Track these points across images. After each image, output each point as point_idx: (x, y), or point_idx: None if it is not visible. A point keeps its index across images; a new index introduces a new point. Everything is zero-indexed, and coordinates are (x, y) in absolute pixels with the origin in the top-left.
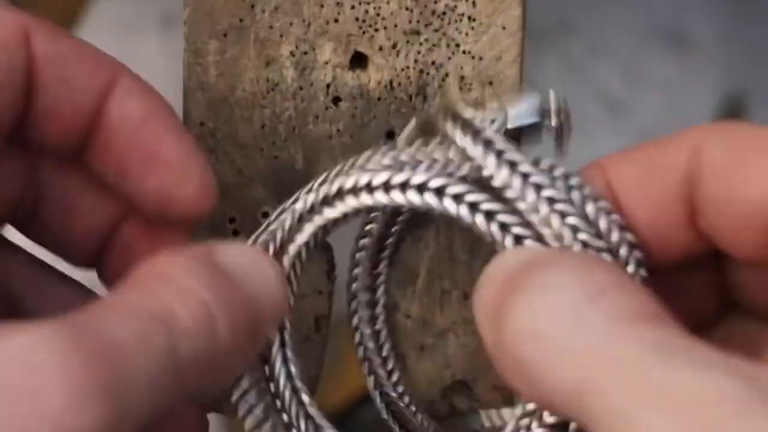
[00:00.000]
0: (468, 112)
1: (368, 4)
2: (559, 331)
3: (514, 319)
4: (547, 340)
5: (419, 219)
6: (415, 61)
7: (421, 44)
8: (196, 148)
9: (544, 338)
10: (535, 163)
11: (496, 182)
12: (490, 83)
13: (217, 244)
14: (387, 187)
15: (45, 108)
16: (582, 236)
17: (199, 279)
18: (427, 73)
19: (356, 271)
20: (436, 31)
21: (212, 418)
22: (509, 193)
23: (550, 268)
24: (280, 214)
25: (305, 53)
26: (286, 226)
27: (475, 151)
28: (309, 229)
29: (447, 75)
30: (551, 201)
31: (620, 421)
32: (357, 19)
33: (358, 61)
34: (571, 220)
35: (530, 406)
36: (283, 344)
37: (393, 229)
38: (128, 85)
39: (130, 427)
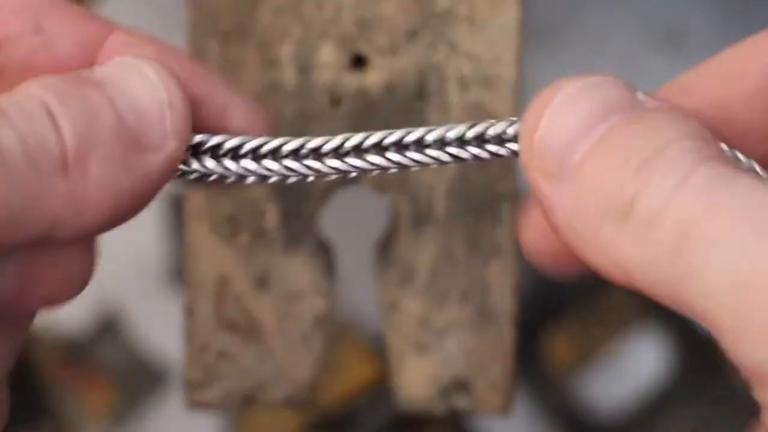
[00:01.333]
0: None
1: (368, 5)
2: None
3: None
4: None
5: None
6: (415, 62)
7: (420, 45)
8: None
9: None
10: None
11: None
12: (489, 84)
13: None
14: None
15: (15, 61)
16: None
17: (46, 82)
18: (426, 75)
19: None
20: (435, 32)
21: (212, 418)
22: None
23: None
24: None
25: (305, 54)
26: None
27: None
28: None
29: (446, 76)
30: None
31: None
32: (357, 20)
33: (358, 61)
34: None
35: None
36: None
37: None
38: (123, 37)
39: None
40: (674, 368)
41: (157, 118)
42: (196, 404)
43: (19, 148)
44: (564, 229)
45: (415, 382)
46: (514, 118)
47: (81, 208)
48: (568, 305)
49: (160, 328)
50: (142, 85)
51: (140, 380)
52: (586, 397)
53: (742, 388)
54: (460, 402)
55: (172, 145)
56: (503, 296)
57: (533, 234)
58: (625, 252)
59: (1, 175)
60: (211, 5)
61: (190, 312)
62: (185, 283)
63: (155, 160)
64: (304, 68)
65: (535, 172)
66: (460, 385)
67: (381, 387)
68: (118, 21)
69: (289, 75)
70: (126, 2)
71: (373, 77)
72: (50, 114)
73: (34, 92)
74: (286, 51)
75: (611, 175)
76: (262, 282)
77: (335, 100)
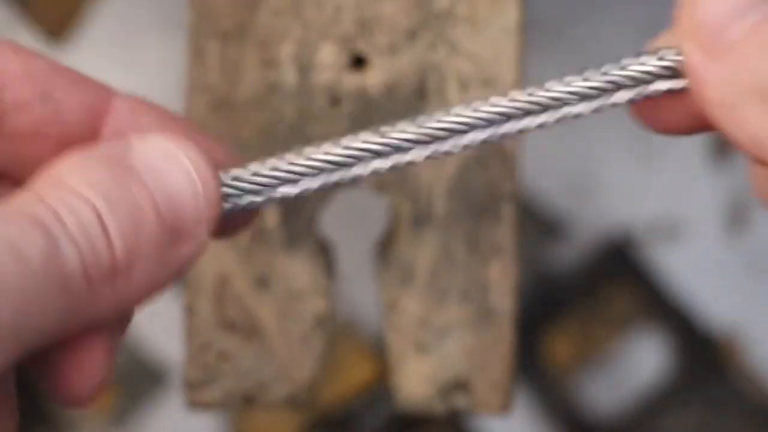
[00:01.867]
0: None
1: (368, 6)
2: None
3: None
4: None
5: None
6: (414, 62)
7: (419, 46)
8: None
9: None
10: None
11: None
12: (489, 84)
13: (134, 137)
14: None
15: (24, 128)
16: None
17: (91, 179)
18: (426, 75)
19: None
20: (434, 32)
21: (212, 418)
22: None
23: None
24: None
25: (305, 54)
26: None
27: None
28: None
29: (446, 76)
30: None
31: None
32: (356, 21)
33: (358, 61)
34: None
35: None
36: None
37: None
38: (127, 104)
39: (7, 341)
40: (674, 368)
41: (193, 210)
42: (196, 404)
43: (78, 265)
44: (708, 100)
45: (415, 382)
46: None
47: (123, 308)
48: (568, 305)
49: (160, 328)
50: (180, 179)
51: (140, 380)
52: (586, 397)
53: (742, 388)
54: (460, 402)
55: (204, 232)
56: (503, 296)
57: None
58: (766, 131)
59: (59, 286)
60: (211, 5)
61: (190, 312)
62: (185, 283)
63: (189, 249)
64: (304, 68)
65: (689, 42)
66: (460, 385)
67: (381, 387)
68: (119, 22)
69: (289, 75)
70: (126, 2)
71: (373, 77)
72: (102, 225)
73: (83, 193)
74: (286, 51)
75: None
76: (262, 282)
77: (335, 100)
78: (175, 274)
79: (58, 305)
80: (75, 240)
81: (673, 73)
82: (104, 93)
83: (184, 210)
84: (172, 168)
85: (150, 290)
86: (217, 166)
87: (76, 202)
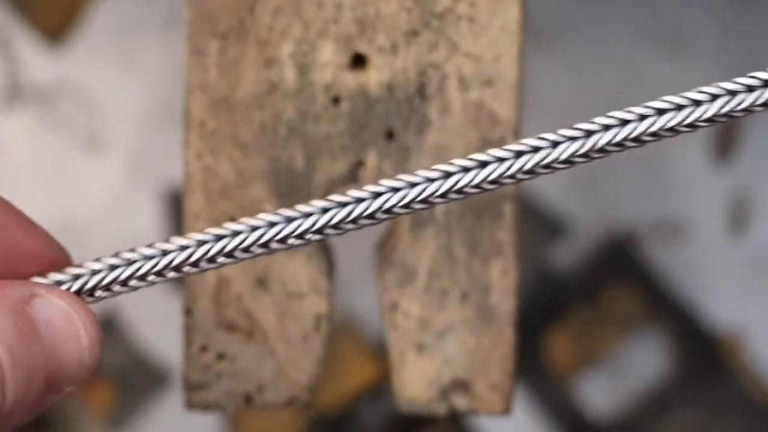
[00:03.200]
0: None
1: (368, 4)
2: None
3: None
4: None
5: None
6: (415, 61)
7: (420, 45)
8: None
9: None
10: None
11: None
12: (490, 84)
13: (39, 288)
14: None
15: None
16: None
17: (2, 333)
18: (427, 74)
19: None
20: (435, 31)
21: (212, 418)
22: None
23: None
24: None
25: (305, 54)
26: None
27: None
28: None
29: (447, 75)
30: None
31: None
32: (357, 20)
33: (358, 61)
34: None
35: None
36: None
37: None
38: None
39: None
40: (675, 368)
41: (76, 369)
42: (195, 405)
43: None
44: None
45: (415, 382)
46: None
47: None
48: (568, 305)
49: (160, 328)
50: (71, 341)
51: (140, 380)
52: (587, 397)
53: (744, 388)
54: (460, 402)
55: (83, 376)
56: (503, 296)
57: None
58: None
59: None
60: (211, 5)
61: (189, 312)
62: (185, 283)
63: (61, 397)
64: (304, 68)
65: None
66: (460, 386)
67: (381, 387)
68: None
69: (289, 75)
70: (125, 2)
71: (374, 77)
72: (2, 379)
73: None
74: (285, 51)
75: None
76: (262, 282)
77: (335, 100)
78: (52, 406)
79: None
80: None
81: None
82: None
83: (69, 369)
84: (67, 329)
85: (24, 421)
86: (48, 266)
87: None
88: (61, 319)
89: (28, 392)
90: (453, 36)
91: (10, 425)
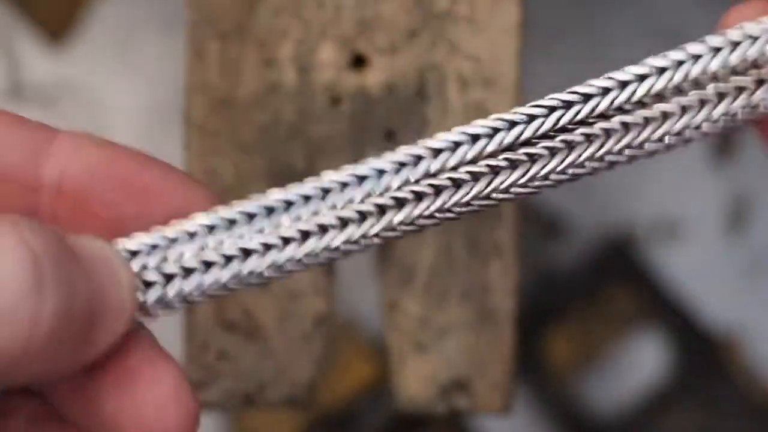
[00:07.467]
0: None
1: (368, 5)
2: None
3: None
4: None
5: None
6: (415, 62)
7: (420, 45)
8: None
9: None
10: None
11: None
12: (489, 84)
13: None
14: None
15: None
16: None
17: (45, 244)
18: (426, 75)
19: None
20: (435, 32)
21: (212, 418)
22: None
23: None
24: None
25: (305, 54)
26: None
27: None
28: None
29: (446, 76)
30: None
31: None
32: (357, 20)
33: (358, 61)
34: None
35: None
36: None
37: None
38: (71, 139)
39: None
40: (674, 368)
41: (118, 312)
42: None
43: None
44: None
45: (415, 382)
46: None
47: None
48: (568, 305)
49: (160, 328)
50: (114, 286)
51: None
52: (586, 397)
53: (742, 387)
54: (460, 402)
55: (121, 329)
56: (503, 296)
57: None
58: None
59: None
60: (211, 5)
61: (189, 312)
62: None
63: (104, 345)
64: (304, 68)
65: None
66: (460, 385)
67: (381, 387)
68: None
69: (289, 75)
70: (126, 2)
71: (373, 77)
72: (40, 282)
73: (24, 235)
74: (285, 51)
75: None
76: None
77: (335, 100)
78: (73, 371)
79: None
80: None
81: None
82: (45, 132)
83: (111, 310)
84: (106, 267)
85: (47, 378)
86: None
87: (13, 238)
88: (100, 256)
89: (71, 316)
90: (452, 36)
91: (45, 359)
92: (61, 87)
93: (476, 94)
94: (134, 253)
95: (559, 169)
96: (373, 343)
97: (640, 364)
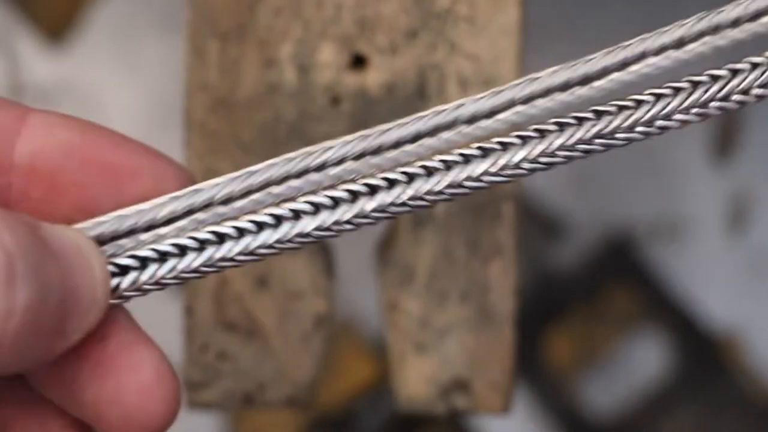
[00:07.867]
0: None
1: (368, 5)
2: None
3: None
4: None
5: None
6: (415, 62)
7: (420, 45)
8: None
9: None
10: None
11: None
12: (489, 84)
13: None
14: None
15: None
16: None
17: (16, 234)
18: (426, 75)
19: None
20: (435, 32)
21: (212, 418)
22: None
23: None
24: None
25: (305, 54)
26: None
27: None
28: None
29: (446, 76)
30: None
31: None
32: (357, 20)
33: (358, 62)
34: None
35: None
36: None
37: None
38: (43, 119)
39: None
40: (674, 368)
41: (89, 303)
42: (195, 404)
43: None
44: None
45: (415, 382)
46: None
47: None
48: (568, 305)
49: (161, 327)
50: (86, 277)
51: None
52: (586, 397)
53: (743, 388)
54: (460, 402)
55: (94, 320)
56: (503, 296)
57: None
58: None
59: None
60: (211, 5)
61: (189, 312)
62: (185, 284)
63: (75, 338)
64: (304, 68)
65: None
66: (460, 385)
67: (381, 387)
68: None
69: (289, 75)
70: (126, 2)
71: (373, 77)
72: (11, 272)
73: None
74: (286, 51)
75: None
76: (262, 282)
77: (335, 100)
78: (45, 361)
79: None
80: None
81: None
82: (16, 111)
83: (83, 300)
84: (78, 257)
85: (19, 367)
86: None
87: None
88: (72, 246)
89: (43, 308)
90: (452, 36)
91: (17, 352)
92: (61, 87)
93: (476, 94)
94: (107, 237)
95: (530, 157)
96: (373, 343)
97: (641, 364)
